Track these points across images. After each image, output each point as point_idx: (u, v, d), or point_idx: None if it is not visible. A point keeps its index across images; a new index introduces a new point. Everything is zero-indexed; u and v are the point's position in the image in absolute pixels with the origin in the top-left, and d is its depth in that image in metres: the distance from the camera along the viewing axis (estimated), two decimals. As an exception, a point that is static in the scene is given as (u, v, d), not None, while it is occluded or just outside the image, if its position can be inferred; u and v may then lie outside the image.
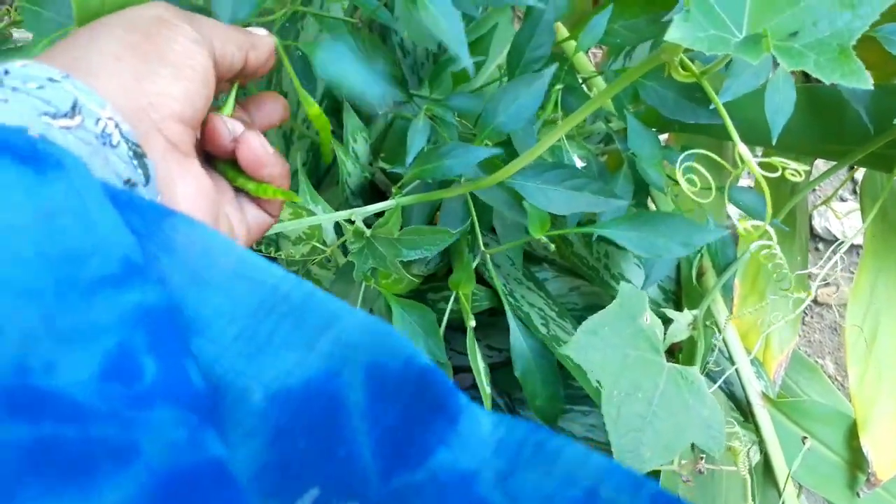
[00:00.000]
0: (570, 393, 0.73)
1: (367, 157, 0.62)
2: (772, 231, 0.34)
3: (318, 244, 0.53)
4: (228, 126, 0.34)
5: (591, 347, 0.42)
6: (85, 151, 0.25)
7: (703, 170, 0.37)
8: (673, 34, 0.26)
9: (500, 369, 0.74)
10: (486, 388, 0.46)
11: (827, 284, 1.22)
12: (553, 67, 0.43)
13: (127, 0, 0.32)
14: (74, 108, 0.26)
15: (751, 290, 0.63)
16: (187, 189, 0.30)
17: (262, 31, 0.37)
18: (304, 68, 0.47)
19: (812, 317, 1.27)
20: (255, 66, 0.36)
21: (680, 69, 0.32)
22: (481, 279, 0.62)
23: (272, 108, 0.39)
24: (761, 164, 0.29)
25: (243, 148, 0.34)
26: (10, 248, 0.18)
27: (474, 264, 0.48)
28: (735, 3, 0.28)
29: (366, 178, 0.63)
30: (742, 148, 0.28)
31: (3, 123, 0.22)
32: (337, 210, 0.59)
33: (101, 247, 0.20)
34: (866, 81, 0.25)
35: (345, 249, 0.60)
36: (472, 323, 0.46)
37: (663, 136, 0.81)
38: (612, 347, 0.42)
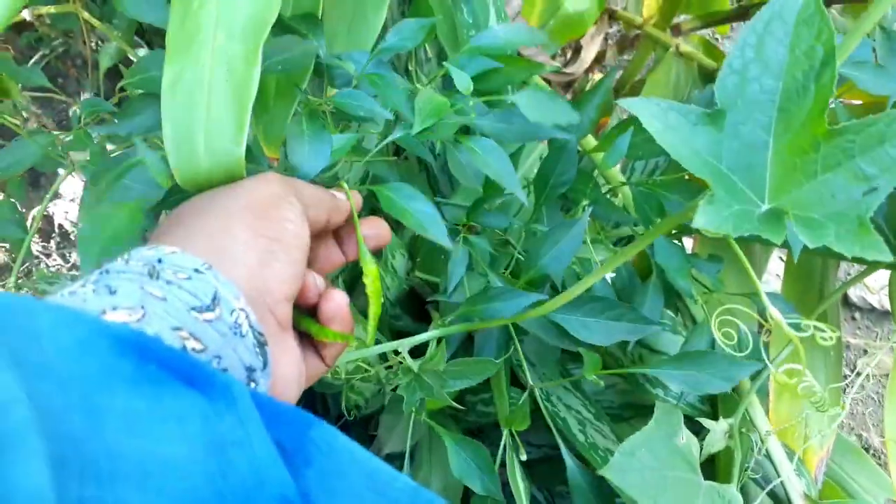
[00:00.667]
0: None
1: (406, 269, 0.65)
2: (809, 374, 0.36)
3: (362, 363, 0.56)
4: (316, 282, 0.37)
5: (629, 469, 0.43)
6: (220, 343, 0.28)
7: (741, 324, 0.38)
8: (699, 221, 0.28)
9: (540, 465, 0.75)
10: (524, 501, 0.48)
11: (866, 353, 1.21)
12: (587, 213, 0.45)
13: (229, 168, 0.35)
14: (215, 300, 0.28)
15: (785, 387, 0.63)
16: (287, 361, 0.32)
17: (342, 196, 0.40)
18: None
19: (850, 387, 1.25)
20: (333, 226, 0.39)
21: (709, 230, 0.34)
22: (515, 379, 0.63)
23: (374, 234, 0.42)
24: (792, 325, 0.30)
25: (329, 304, 0.36)
26: (190, 483, 0.20)
27: (526, 402, 0.50)
28: (757, 178, 0.30)
29: (404, 288, 0.65)
30: (773, 311, 0.30)
31: (173, 347, 0.25)
32: (377, 324, 0.61)
33: (265, 482, 0.22)
34: (886, 255, 0.27)
35: (386, 363, 0.63)
36: (523, 457, 0.47)
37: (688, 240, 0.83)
38: (650, 469, 0.43)
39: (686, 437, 0.45)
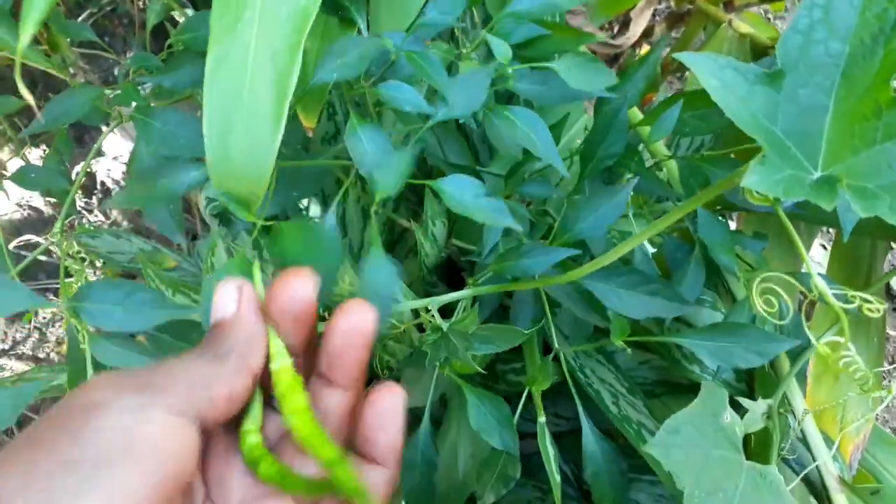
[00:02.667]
0: (639, 463, 0.73)
1: (444, 238, 0.64)
2: (852, 347, 0.34)
3: (395, 321, 0.56)
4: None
5: (673, 446, 0.43)
6: None
7: (781, 292, 0.37)
8: (749, 180, 0.27)
9: (568, 437, 0.75)
10: (556, 478, 0.47)
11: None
12: (633, 181, 0.44)
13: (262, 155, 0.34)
14: None
15: (825, 370, 0.62)
16: None
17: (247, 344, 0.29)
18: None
19: (890, 381, 1.22)
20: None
21: (755, 194, 0.33)
22: (549, 351, 0.63)
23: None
24: (838, 297, 0.29)
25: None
26: None
27: (548, 362, 0.50)
28: (811, 144, 0.29)
29: (442, 256, 0.65)
30: (819, 281, 0.29)
31: None
32: (413, 284, 0.62)
33: None
34: (944, 229, 0.26)
35: (419, 327, 0.63)
36: (542, 419, 0.47)
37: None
38: (694, 447, 0.43)
39: (730, 416, 0.44)
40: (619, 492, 0.51)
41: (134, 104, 0.55)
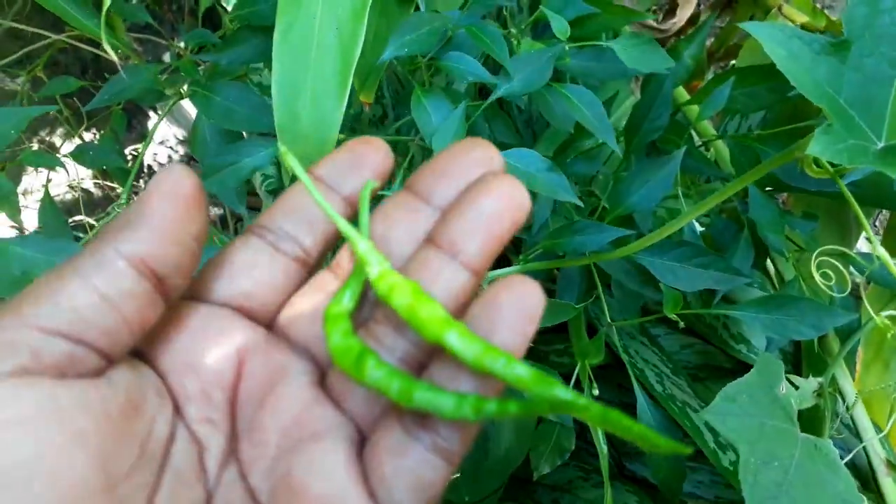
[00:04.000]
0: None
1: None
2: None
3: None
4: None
5: (729, 414, 0.43)
6: None
7: (836, 263, 0.37)
8: (814, 148, 0.27)
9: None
10: (603, 448, 0.48)
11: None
12: (681, 152, 0.44)
13: (327, 122, 0.34)
14: None
15: (875, 357, 0.61)
16: None
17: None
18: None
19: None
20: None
21: (814, 166, 0.33)
22: (593, 331, 0.64)
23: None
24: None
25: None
26: None
27: (602, 336, 0.50)
28: (876, 114, 0.29)
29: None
30: (880, 250, 0.30)
31: None
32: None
33: None
34: None
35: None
36: (595, 392, 0.48)
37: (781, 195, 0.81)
38: (750, 415, 0.43)
39: (786, 388, 0.44)
40: (675, 462, 0.51)
41: (189, 83, 0.57)
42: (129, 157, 1.50)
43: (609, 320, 0.49)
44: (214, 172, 0.39)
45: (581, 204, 0.40)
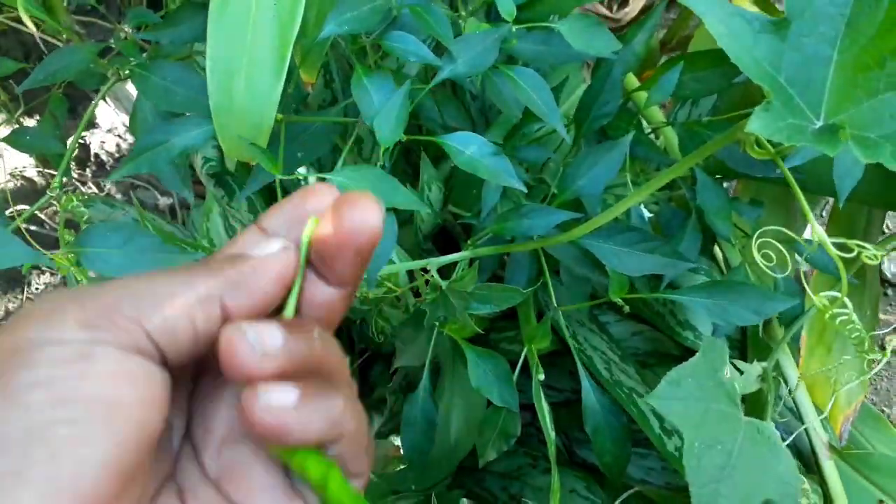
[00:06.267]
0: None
1: (440, 203, 0.64)
2: (849, 303, 0.35)
3: (392, 286, 0.56)
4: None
5: (673, 398, 0.43)
6: None
7: (779, 245, 0.38)
8: (753, 125, 0.27)
9: (560, 409, 0.75)
10: (550, 434, 0.48)
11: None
12: (630, 136, 0.44)
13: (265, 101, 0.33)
14: None
15: (818, 342, 0.63)
16: None
17: (264, 247, 0.23)
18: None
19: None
20: (250, 308, 0.22)
21: (755, 147, 0.33)
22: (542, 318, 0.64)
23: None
24: (836, 245, 0.30)
25: None
26: None
27: (548, 320, 0.50)
28: (814, 93, 0.29)
29: (437, 223, 0.65)
30: (818, 229, 0.30)
31: None
32: (409, 251, 0.62)
33: None
34: (944, 175, 0.26)
35: (415, 292, 0.63)
36: (541, 377, 0.47)
37: (731, 183, 0.82)
38: (695, 399, 0.43)
39: (730, 372, 0.45)
40: (620, 446, 0.51)
41: (132, 64, 0.55)
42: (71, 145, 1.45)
43: (556, 305, 0.49)
44: (144, 152, 0.38)
45: (525, 189, 0.40)
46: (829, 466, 0.57)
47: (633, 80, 0.66)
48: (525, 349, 0.51)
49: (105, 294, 0.20)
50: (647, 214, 0.58)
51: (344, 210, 0.22)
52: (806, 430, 0.58)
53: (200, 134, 0.38)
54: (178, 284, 0.21)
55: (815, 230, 0.30)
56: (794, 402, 0.59)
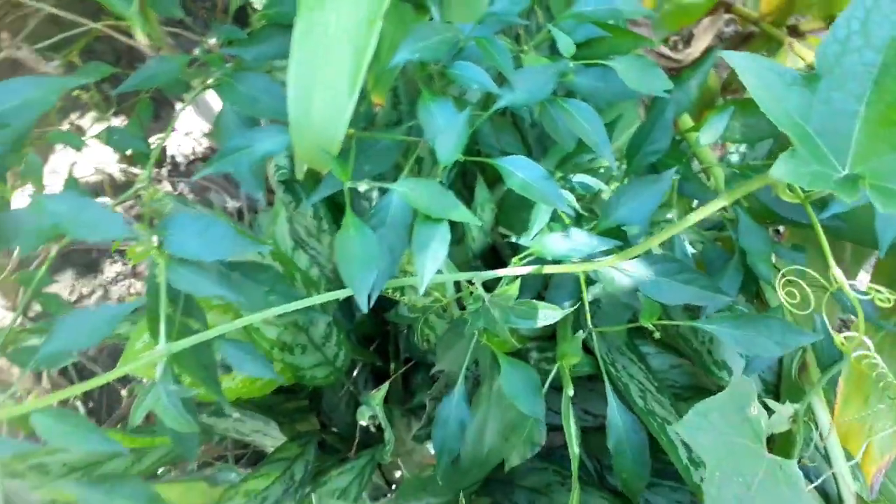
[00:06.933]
0: (660, 468, 0.74)
1: (491, 224, 0.68)
2: (869, 343, 0.36)
3: (439, 296, 0.59)
4: None
5: (700, 429, 0.45)
6: None
7: (804, 284, 0.39)
8: (777, 171, 0.30)
9: (594, 434, 0.77)
10: (575, 450, 0.50)
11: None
12: (672, 171, 0.47)
13: (335, 116, 0.38)
14: None
15: (854, 392, 0.63)
16: None
17: None
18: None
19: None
20: None
21: (787, 191, 0.36)
22: (585, 346, 0.66)
23: None
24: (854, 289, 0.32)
25: None
26: None
27: (581, 338, 0.52)
28: (841, 144, 0.32)
29: (488, 242, 0.68)
30: (836, 271, 0.32)
31: None
32: (458, 267, 0.65)
33: None
34: (956, 228, 0.28)
35: (460, 304, 0.66)
36: (570, 392, 0.50)
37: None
38: (720, 432, 0.45)
39: (757, 409, 0.46)
40: (640, 463, 0.53)
41: (216, 76, 0.60)
42: (154, 146, 1.54)
43: (591, 326, 0.52)
44: (229, 154, 0.42)
45: (571, 213, 0.43)
46: (855, 514, 0.58)
47: (687, 121, 0.69)
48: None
49: None
50: (691, 251, 0.60)
51: None
52: (835, 477, 0.58)
53: (279, 142, 0.42)
54: None
55: (833, 272, 0.32)
56: (826, 449, 0.60)
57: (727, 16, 1.08)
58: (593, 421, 0.78)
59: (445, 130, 0.42)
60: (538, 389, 0.49)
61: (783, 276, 0.39)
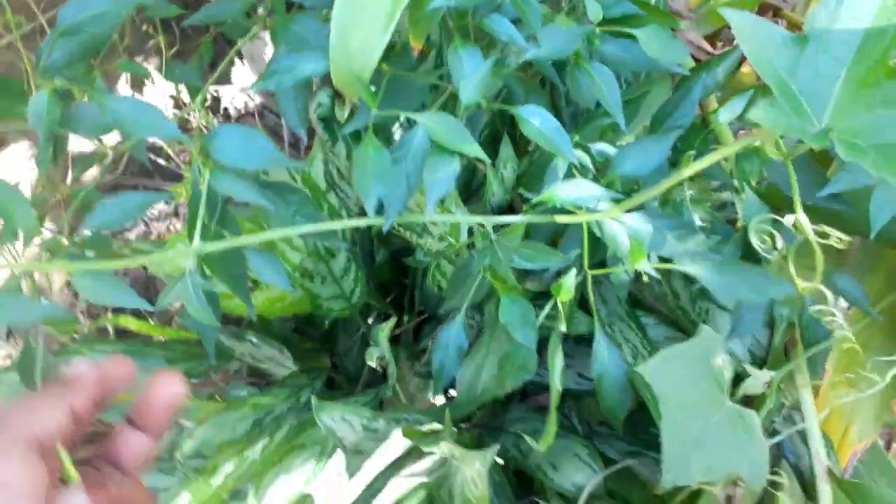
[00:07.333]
0: (647, 439, 0.78)
1: (512, 183, 0.71)
2: (828, 293, 0.39)
3: (452, 241, 0.63)
4: None
5: (663, 372, 0.49)
6: None
7: (772, 230, 0.43)
8: (756, 113, 0.33)
9: (586, 398, 0.80)
10: (556, 385, 0.54)
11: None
12: (679, 131, 0.50)
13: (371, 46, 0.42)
14: None
15: (841, 377, 0.65)
16: None
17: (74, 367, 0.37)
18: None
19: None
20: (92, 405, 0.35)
21: (775, 149, 0.39)
22: (586, 307, 0.69)
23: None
24: (815, 232, 0.35)
25: None
26: None
27: (577, 280, 0.56)
28: (821, 103, 0.35)
29: (507, 199, 0.72)
30: (802, 216, 0.35)
31: None
32: (475, 221, 0.69)
33: None
34: (911, 183, 0.31)
35: (471, 252, 0.70)
36: (562, 327, 0.53)
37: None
38: (683, 377, 0.48)
39: (723, 360, 0.49)
40: (621, 393, 0.57)
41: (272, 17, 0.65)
42: (210, 96, 1.61)
43: (587, 270, 0.55)
44: (274, 74, 0.47)
45: (576, 163, 0.46)
46: (824, 490, 0.60)
47: (713, 103, 0.71)
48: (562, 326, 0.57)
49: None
50: (698, 223, 0.63)
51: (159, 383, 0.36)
52: (809, 453, 0.61)
53: (320, 66, 0.47)
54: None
55: (797, 218, 0.35)
56: (804, 433, 0.62)
57: (774, 19, 1.09)
58: (587, 384, 0.82)
59: (469, 74, 0.46)
60: (532, 322, 0.53)
61: (756, 223, 0.42)
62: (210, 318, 0.50)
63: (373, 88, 0.50)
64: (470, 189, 0.78)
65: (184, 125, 1.50)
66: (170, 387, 0.38)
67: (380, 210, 0.49)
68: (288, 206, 0.54)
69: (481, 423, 0.80)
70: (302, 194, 0.54)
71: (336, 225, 0.50)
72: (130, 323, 0.83)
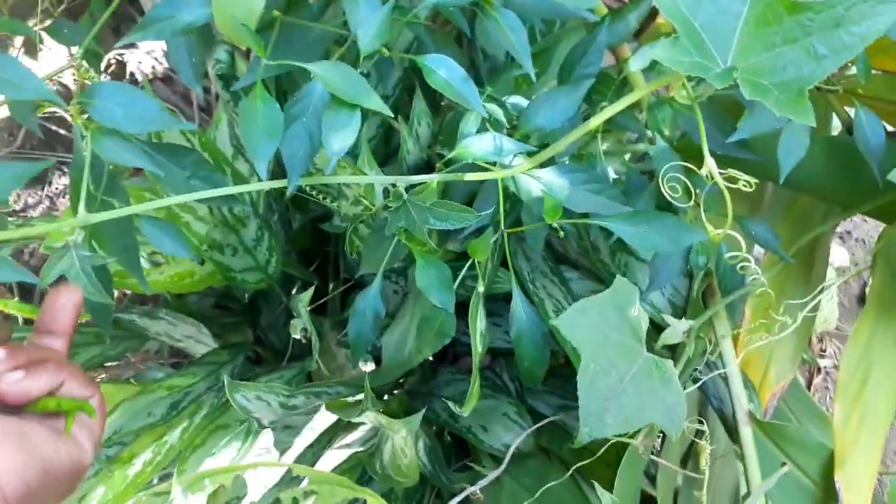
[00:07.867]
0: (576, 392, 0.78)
1: (428, 140, 0.69)
2: (741, 239, 0.39)
3: (368, 204, 0.61)
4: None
5: (578, 324, 0.48)
6: None
7: (685, 180, 0.42)
8: (659, 53, 0.31)
9: (514, 356, 0.80)
10: (478, 348, 0.53)
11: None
12: (590, 81, 0.49)
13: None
14: None
15: (759, 322, 0.66)
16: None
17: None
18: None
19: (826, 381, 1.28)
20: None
21: (682, 93, 0.38)
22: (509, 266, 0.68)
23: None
24: (724, 177, 0.34)
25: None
26: None
27: (494, 239, 0.54)
28: (724, 42, 0.34)
29: (423, 158, 0.70)
30: (709, 161, 0.34)
31: None
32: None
33: None
34: (811, 120, 0.30)
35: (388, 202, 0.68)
36: (481, 288, 0.52)
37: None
38: (597, 328, 0.48)
39: (639, 311, 0.49)
40: (539, 352, 0.56)
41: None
42: (115, 60, 1.52)
43: (503, 228, 0.54)
44: (154, 23, 0.43)
45: (483, 112, 0.44)
46: (745, 433, 0.61)
47: (626, 51, 0.70)
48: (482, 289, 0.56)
49: None
50: (612, 175, 0.63)
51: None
52: (731, 397, 0.62)
53: (203, 14, 0.43)
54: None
55: (706, 163, 0.34)
56: (724, 371, 0.63)
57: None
58: (516, 344, 0.82)
59: (367, 19, 0.43)
60: (450, 284, 0.51)
61: (665, 171, 0.42)
62: (101, 293, 0.46)
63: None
64: (389, 149, 0.76)
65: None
66: (67, 292, 0.40)
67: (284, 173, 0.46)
68: (181, 171, 0.50)
69: (412, 390, 0.79)
70: (196, 155, 0.50)
71: (234, 189, 0.47)
72: (13, 307, 0.78)
